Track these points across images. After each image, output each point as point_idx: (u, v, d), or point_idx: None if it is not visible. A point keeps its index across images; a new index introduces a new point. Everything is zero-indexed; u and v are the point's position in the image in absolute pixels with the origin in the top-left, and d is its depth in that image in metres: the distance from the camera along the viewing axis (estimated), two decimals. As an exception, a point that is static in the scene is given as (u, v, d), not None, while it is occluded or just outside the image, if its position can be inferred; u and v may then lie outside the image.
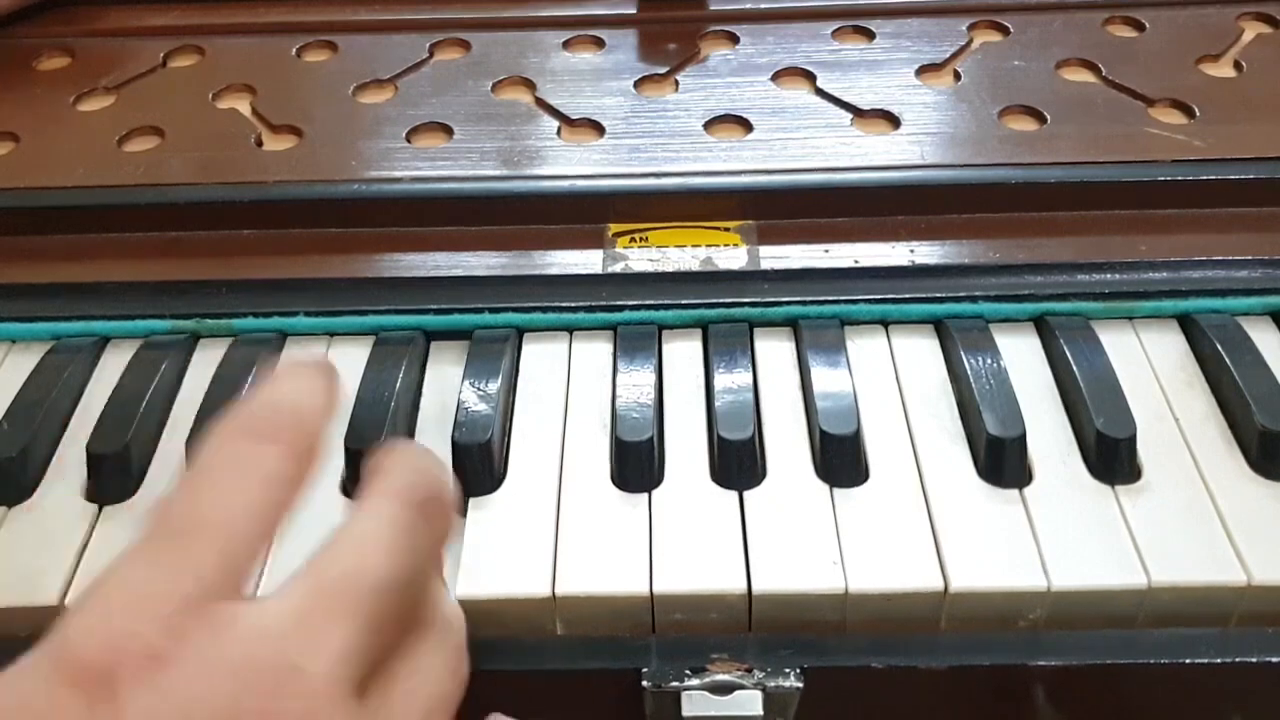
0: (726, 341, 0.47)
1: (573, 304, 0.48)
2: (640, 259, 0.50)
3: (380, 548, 0.28)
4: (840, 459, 0.42)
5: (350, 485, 0.42)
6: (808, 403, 0.44)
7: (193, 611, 0.25)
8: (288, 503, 0.28)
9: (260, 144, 0.57)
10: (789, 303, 0.48)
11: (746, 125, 0.56)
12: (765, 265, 0.49)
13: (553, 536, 0.40)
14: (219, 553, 0.26)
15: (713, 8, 0.65)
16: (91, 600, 0.26)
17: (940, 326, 0.47)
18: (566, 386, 0.46)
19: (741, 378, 0.45)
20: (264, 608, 0.26)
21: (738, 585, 0.38)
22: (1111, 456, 0.41)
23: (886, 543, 0.39)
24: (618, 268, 0.50)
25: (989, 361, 0.45)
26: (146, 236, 0.52)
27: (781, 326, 0.48)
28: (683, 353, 0.47)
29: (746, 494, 0.41)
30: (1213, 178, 0.51)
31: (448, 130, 0.57)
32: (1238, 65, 0.59)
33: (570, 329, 0.48)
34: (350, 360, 0.47)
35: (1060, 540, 0.39)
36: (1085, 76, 0.59)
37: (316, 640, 0.26)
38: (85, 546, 0.41)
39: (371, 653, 0.27)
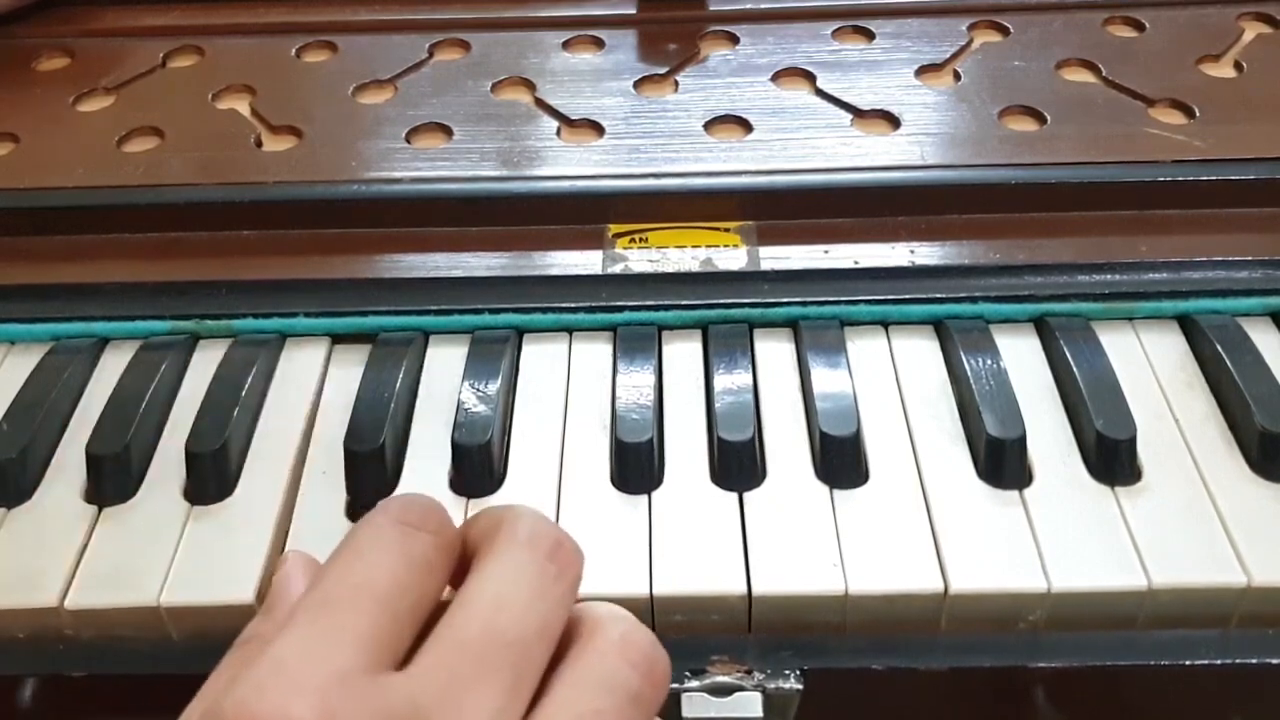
0: (726, 342, 0.47)
1: (573, 304, 0.48)
2: (640, 259, 0.50)
3: (517, 601, 0.27)
4: (840, 460, 0.42)
5: (350, 483, 0.42)
6: (808, 404, 0.44)
7: (345, 685, 0.25)
8: (435, 590, 0.28)
9: (260, 144, 0.57)
10: (789, 303, 0.48)
11: (746, 126, 0.56)
12: (765, 266, 0.49)
13: (553, 537, 0.40)
14: (370, 625, 0.26)
15: (712, 8, 0.65)
16: (247, 673, 0.26)
17: (940, 327, 0.47)
18: (566, 387, 0.46)
19: (741, 379, 0.45)
20: (410, 677, 0.26)
21: (738, 587, 0.38)
22: (1111, 457, 0.41)
23: (886, 544, 0.39)
24: (618, 268, 0.50)
25: (989, 362, 0.45)
26: (146, 237, 0.52)
27: (781, 327, 0.48)
28: (683, 353, 0.47)
29: (746, 495, 0.41)
30: (1213, 178, 0.51)
31: (448, 131, 0.57)
32: (1238, 65, 0.59)
33: (570, 330, 0.48)
34: (350, 360, 0.47)
35: (1060, 541, 0.39)
36: (1085, 77, 0.59)
37: (465, 705, 0.26)
38: (85, 547, 0.41)
39: (522, 704, 0.27)
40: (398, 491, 0.42)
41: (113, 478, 0.43)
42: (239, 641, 0.31)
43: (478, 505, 0.41)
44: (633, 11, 0.65)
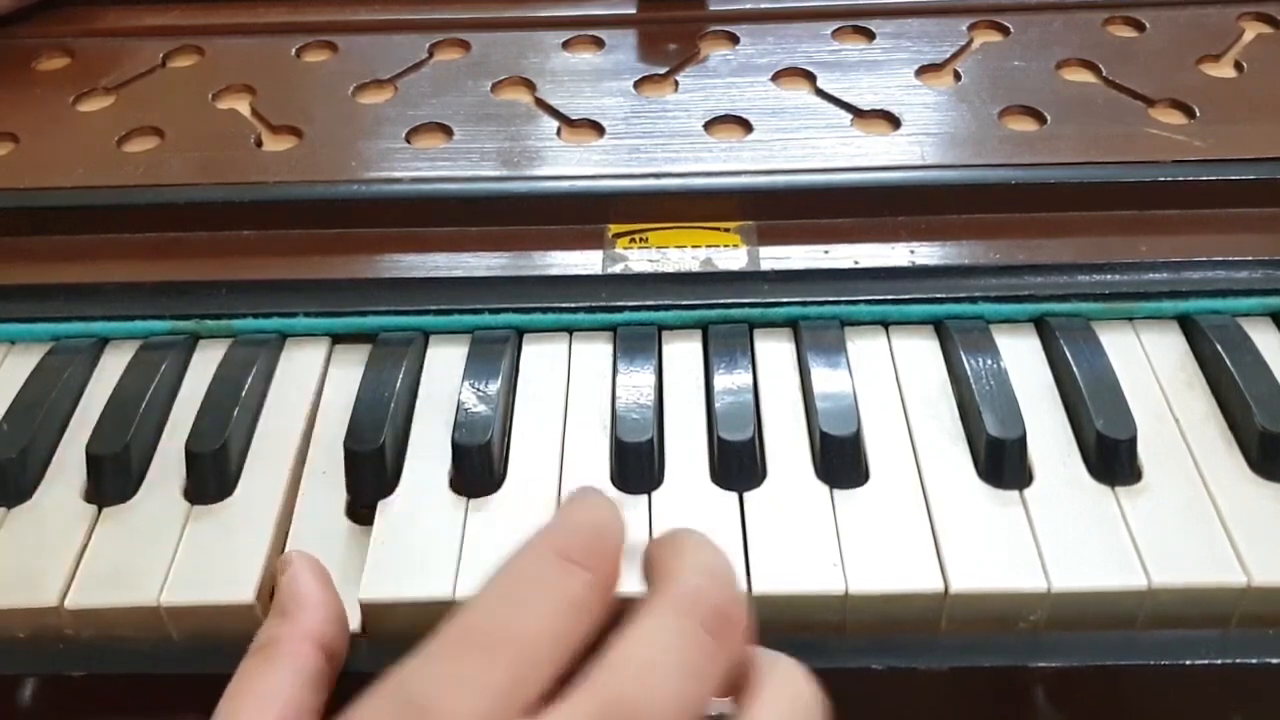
0: (726, 342, 0.47)
1: (573, 304, 0.48)
2: (640, 259, 0.50)
3: (664, 674, 0.27)
4: (840, 460, 0.42)
5: (350, 482, 0.42)
6: (808, 404, 0.44)
7: None
8: (585, 632, 0.28)
9: (260, 144, 0.57)
10: (789, 303, 0.48)
11: (746, 126, 0.56)
12: (765, 266, 0.49)
13: (553, 537, 0.40)
14: (518, 671, 0.26)
15: (712, 8, 0.65)
16: (390, 695, 0.26)
17: (940, 327, 0.47)
18: (566, 387, 0.46)
19: (741, 378, 0.45)
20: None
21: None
22: (1112, 457, 0.41)
23: (886, 544, 0.39)
24: (618, 268, 0.50)
25: (989, 362, 0.45)
26: (146, 237, 0.52)
27: (781, 327, 0.48)
28: (683, 353, 0.47)
29: (746, 495, 0.41)
30: (1213, 178, 0.51)
31: (448, 130, 0.57)
32: (1238, 65, 0.59)
33: (570, 329, 0.48)
34: (350, 360, 0.47)
35: (1060, 541, 0.39)
36: (1085, 77, 0.59)
37: None
38: (85, 547, 0.41)
39: None
40: (398, 491, 0.42)
41: (113, 478, 0.43)
42: (255, 647, 0.31)
43: (478, 505, 0.41)
44: (633, 11, 0.65)
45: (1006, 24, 0.62)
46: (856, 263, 0.49)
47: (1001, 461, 0.41)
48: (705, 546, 0.30)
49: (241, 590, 0.39)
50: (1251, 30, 0.61)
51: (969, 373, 0.44)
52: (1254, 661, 0.37)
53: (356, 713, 0.27)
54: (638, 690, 0.26)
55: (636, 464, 0.42)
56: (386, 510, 0.41)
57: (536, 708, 0.26)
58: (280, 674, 0.31)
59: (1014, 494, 0.41)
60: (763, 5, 0.65)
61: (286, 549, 0.41)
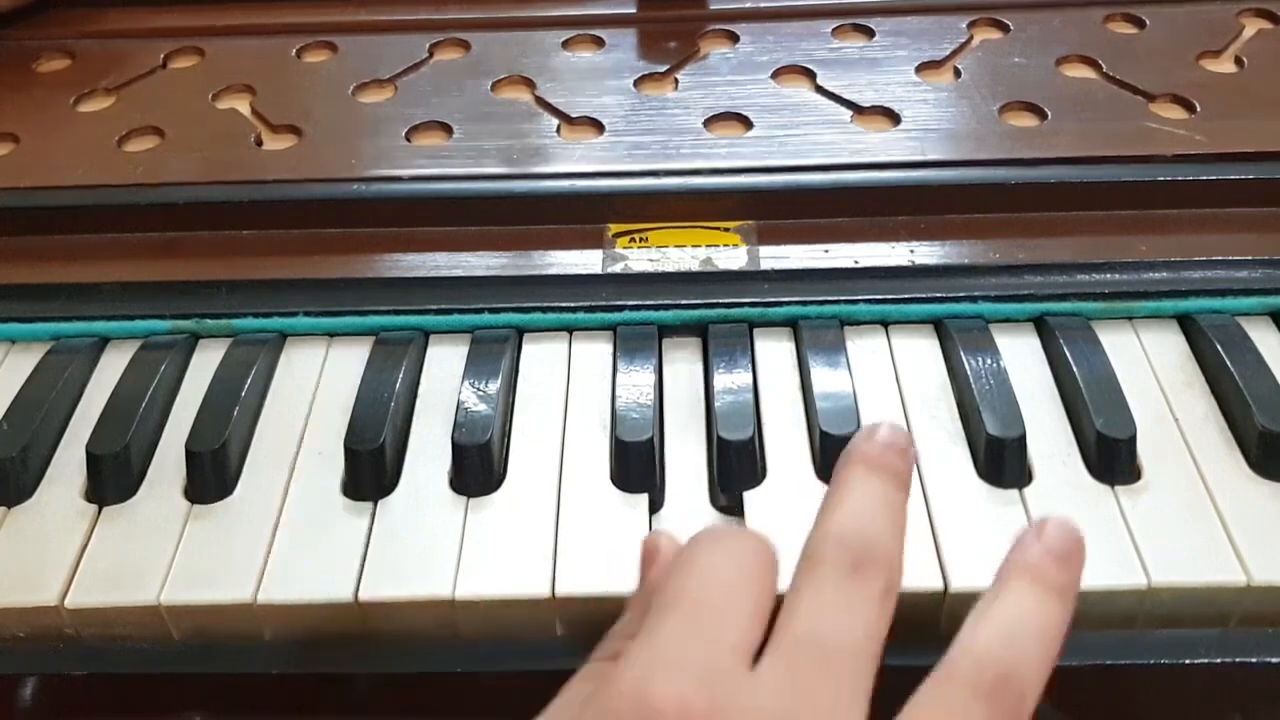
0: (726, 342, 0.47)
1: (573, 304, 0.48)
2: (640, 259, 0.50)
3: (832, 615, 0.29)
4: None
5: (350, 486, 0.42)
6: (808, 403, 0.44)
7: (725, 677, 0.28)
8: (770, 594, 0.30)
9: (260, 144, 0.57)
10: (789, 303, 0.48)
11: (747, 123, 0.56)
12: (765, 265, 0.49)
13: (553, 537, 0.40)
14: (731, 618, 0.29)
15: (712, 6, 0.65)
16: (630, 660, 0.28)
17: (940, 326, 0.47)
18: (566, 386, 0.46)
19: (741, 378, 0.45)
20: (768, 676, 0.28)
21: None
22: (1111, 457, 0.41)
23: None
24: (617, 268, 0.49)
25: (989, 362, 0.45)
26: (146, 236, 0.52)
27: (781, 327, 0.48)
28: (683, 353, 0.47)
29: (746, 494, 0.41)
30: (1213, 177, 0.51)
31: (447, 129, 0.57)
32: (1239, 61, 0.59)
33: (570, 329, 0.48)
34: (350, 360, 0.47)
35: (1060, 541, 0.39)
36: (1086, 73, 0.58)
37: (819, 702, 0.28)
38: (85, 546, 0.41)
39: (862, 706, 0.29)
40: (398, 491, 0.42)
41: (113, 477, 0.43)
42: (604, 640, 0.33)
43: (478, 505, 0.41)
44: (633, 10, 0.65)
45: (1006, 21, 0.62)
46: (856, 262, 0.49)
47: (1001, 461, 0.41)
48: (840, 511, 0.33)
49: (241, 589, 0.39)
50: (1252, 26, 0.61)
51: (969, 372, 0.44)
52: (1254, 661, 0.37)
53: (613, 679, 0.28)
54: (819, 625, 0.29)
55: (636, 463, 0.42)
56: (387, 509, 0.41)
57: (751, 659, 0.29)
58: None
59: (1014, 493, 0.41)
60: (763, 3, 0.64)
61: (279, 538, 0.41)
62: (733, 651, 0.28)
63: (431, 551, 0.40)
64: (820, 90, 0.58)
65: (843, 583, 0.30)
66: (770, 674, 0.28)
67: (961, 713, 0.29)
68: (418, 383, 0.46)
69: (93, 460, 0.43)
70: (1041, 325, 0.47)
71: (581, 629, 0.39)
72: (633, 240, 0.50)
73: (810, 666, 0.28)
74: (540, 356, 0.47)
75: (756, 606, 0.30)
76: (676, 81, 0.60)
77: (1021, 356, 0.46)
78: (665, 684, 0.27)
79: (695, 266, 0.49)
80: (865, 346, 0.47)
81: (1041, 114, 0.55)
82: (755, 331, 0.48)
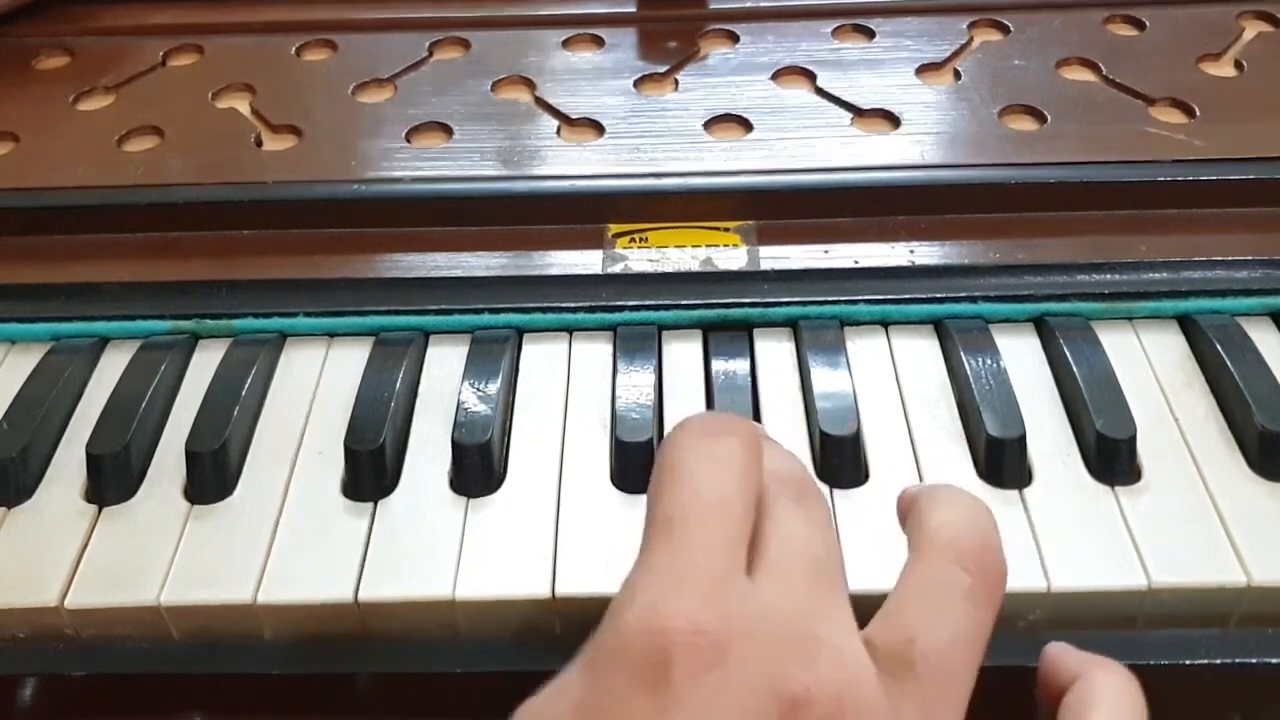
0: (726, 342, 0.47)
1: (573, 304, 0.48)
2: (640, 259, 0.50)
3: (802, 531, 0.30)
4: (840, 460, 0.42)
5: (350, 486, 0.42)
6: (808, 403, 0.44)
7: (728, 587, 0.28)
8: (757, 484, 0.30)
9: (260, 144, 0.57)
10: (789, 303, 0.48)
11: (746, 125, 0.56)
12: (765, 266, 0.49)
13: (553, 537, 0.40)
14: (723, 533, 0.29)
15: (712, 6, 0.65)
16: (630, 593, 0.28)
17: (940, 327, 0.47)
18: (566, 387, 0.46)
19: (741, 378, 0.45)
20: (764, 582, 0.29)
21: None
22: (1111, 457, 0.41)
23: (887, 544, 0.39)
24: (617, 268, 0.50)
25: (989, 362, 0.45)
26: (146, 236, 0.52)
27: (781, 327, 0.48)
28: (683, 353, 0.47)
29: (746, 495, 0.41)
30: (1213, 178, 0.51)
31: (447, 130, 0.57)
32: (1238, 64, 0.59)
33: (570, 329, 0.48)
34: (350, 360, 0.47)
35: (1060, 541, 0.39)
36: (1085, 76, 0.59)
37: (821, 605, 0.28)
38: (85, 546, 0.41)
39: (847, 605, 0.29)
40: (398, 491, 0.42)
41: (113, 477, 0.43)
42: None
43: (478, 505, 0.41)
44: (633, 10, 0.65)
45: (1006, 23, 0.62)
46: (856, 262, 0.49)
47: (1001, 461, 0.41)
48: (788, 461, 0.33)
49: (241, 589, 0.39)
50: (1252, 29, 0.61)
51: (969, 372, 0.44)
52: (1254, 661, 0.37)
53: (618, 615, 0.28)
54: (793, 541, 0.30)
55: (637, 463, 0.42)
56: (387, 509, 0.41)
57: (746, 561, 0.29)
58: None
59: (1014, 494, 0.41)
60: (763, 4, 0.65)
61: (279, 538, 0.41)
62: (730, 559, 0.28)
63: (431, 551, 0.40)
64: (820, 92, 0.58)
65: (797, 508, 0.31)
66: (767, 586, 0.29)
67: (951, 580, 0.30)
68: (418, 383, 0.46)
69: (93, 460, 0.43)
70: (1041, 325, 0.47)
71: (581, 629, 0.39)
72: (633, 240, 0.51)
73: (801, 579, 0.29)
74: (540, 357, 0.47)
75: (744, 504, 0.30)
76: (676, 82, 0.60)
77: (1021, 356, 0.46)
78: (673, 611, 0.27)
79: (695, 267, 0.49)
80: (865, 347, 0.47)
81: (1041, 117, 0.55)
82: (755, 332, 0.48)
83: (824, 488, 0.41)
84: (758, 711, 0.26)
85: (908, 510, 0.33)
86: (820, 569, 0.30)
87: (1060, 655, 0.33)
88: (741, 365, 0.46)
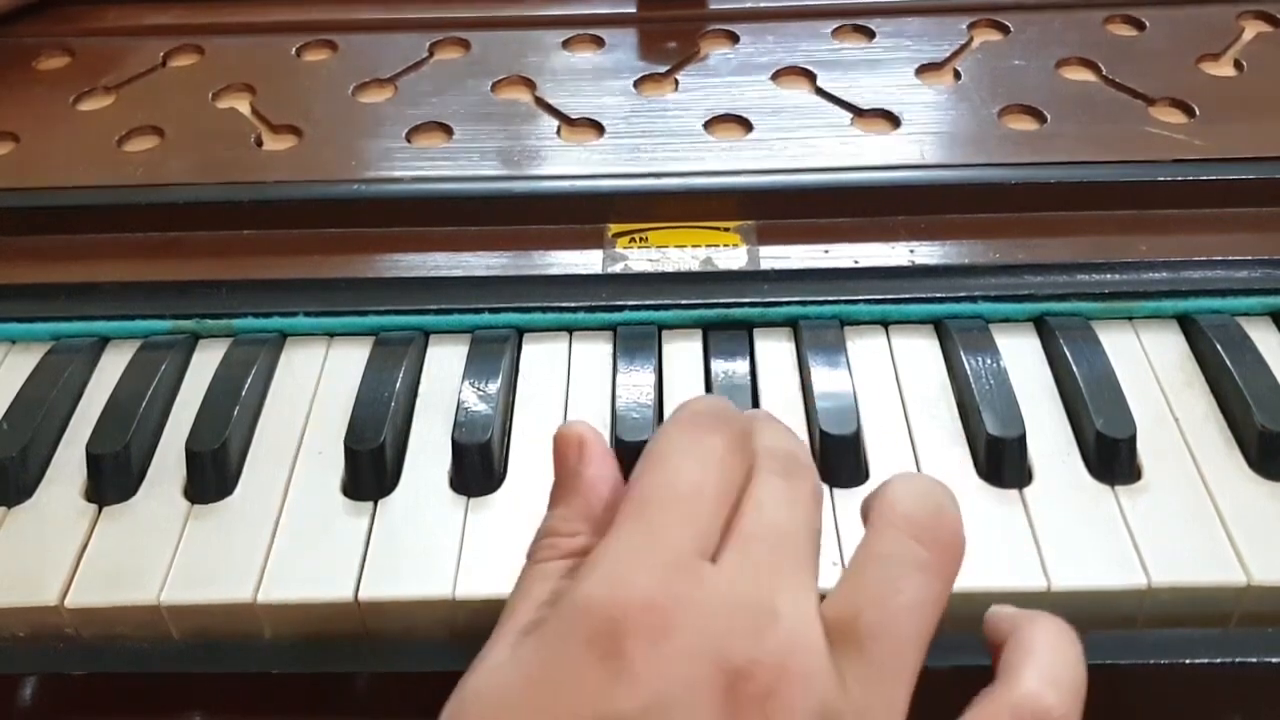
0: (726, 342, 0.47)
1: (573, 304, 0.48)
2: (640, 259, 0.50)
3: (774, 507, 0.31)
4: (840, 459, 0.42)
5: (350, 486, 0.42)
6: (808, 403, 0.44)
7: (680, 570, 0.29)
8: (738, 479, 0.31)
9: (260, 144, 0.57)
10: (789, 303, 0.48)
11: (746, 125, 0.56)
12: (765, 265, 0.49)
13: (553, 537, 0.40)
14: (692, 520, 0.30)
15: (712, 7, 0.65)
16: (591, 568, 0.29)
17: (940, 326, 0.47)
18: (566, 386, 0.46)
19: (741, 378, 0.45)
20: (725, 566, 0.29)
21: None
22: (1111, 457, 0.41)
23: (886, 543, 0.39)
24: (618, 268, 0.50)
25: (989, 361, 0.45)
26: (146, 236, 0.52)
27: (781, 327, 0.48)
28: (683, 353, 0.47)
29: (746, 494, 0.41)
30: (1213, 178, 0.51)
31: (448, 130, 0.57)
32: (1238, 64, 0.59)
33: (570, 329, 0.48)
34: (350, 360, 0.47)
35: (1060, 541, 0.39)
36: (1085, 75, 0.59)
37: (777, 585, 0.29)
38: (85, 546, 0.41)
39: (813, 580, 0.30)
40: (398, 490, 0.42)
41: (113, 477, 0.43)
42: (540, 538, 0.33)
43: (478, 505, 0.41)
44: (633, 10, 0.65)
45: (1006, 23, 0.62)
46: (856, 262, 0.49)
47: (1001, 461, 0.41)
48: (769, 427, 0.34)
49: (241, 589, 0.39)
50: (1251, 29, 0.61)
51: (969, 372, 0.44)
52: (1254, 660, 0.37)
53: (578, 586, 0.29)
54: (765, 518, 0.31)
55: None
56: (387, 509, 0.41)
57: (713, 551, 0.30)
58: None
59: (1014, 493, 0.41)
60: (763, 4, 0.65)
61: (279, 538, 0.41)
62: (694, 549, 0.29)
63: (431, 551, 0.40)
64: (820, 92, 0.58)
65: (780, 483, 0.32)
66: (729, 563, 0.30)
67: (901, 551, 0.31)
68: (418, 382, 0.46)
69: (93, 460, 0.43)
70: (1041, 325, 0.47)
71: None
72: (633, 240, 0.51)
73: (764, 553, 0.30)
74: (540, 356, 0.47)
75: (718, 495, 0.31)
76: (676, 82, 0.60)
77: (1021, 356, 0.46)
78: (628, 587, 0.28)
79: (695, 266, 0.49)
80: (865, 346, 0.47)
81: (1041, 117, 0.55)
82: (755, 331, 0.48)
83: (824, 488, 0.41)
84: (704, 681, 0.27)
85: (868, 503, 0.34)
86: (786, 542, 0.30)
87: (997, 616, 0.33)
88: (741, 365, 0.46)
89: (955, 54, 0.61)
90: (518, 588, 0.33)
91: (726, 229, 0.51)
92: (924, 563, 0.31)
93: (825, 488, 0.41)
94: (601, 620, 0.28)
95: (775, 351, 0.47)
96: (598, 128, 0.56)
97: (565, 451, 0.35)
